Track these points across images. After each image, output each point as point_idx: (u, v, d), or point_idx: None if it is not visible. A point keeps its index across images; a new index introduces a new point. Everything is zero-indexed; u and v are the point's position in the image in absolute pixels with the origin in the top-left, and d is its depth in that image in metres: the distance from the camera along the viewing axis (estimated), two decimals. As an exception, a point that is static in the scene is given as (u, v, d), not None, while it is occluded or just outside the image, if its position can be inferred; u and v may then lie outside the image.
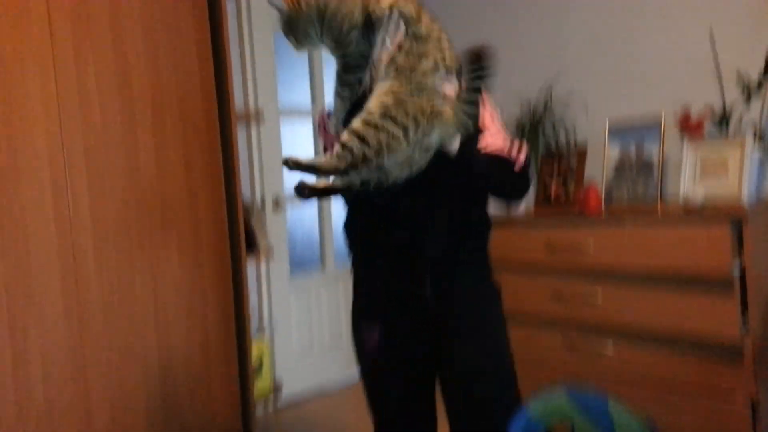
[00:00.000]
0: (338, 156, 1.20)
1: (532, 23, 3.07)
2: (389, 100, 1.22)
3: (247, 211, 2.58)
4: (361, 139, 1.19)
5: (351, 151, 1.20)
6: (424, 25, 1.28)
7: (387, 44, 1.28)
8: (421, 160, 1.29)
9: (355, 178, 1.27)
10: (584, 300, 2.38)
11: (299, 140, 3.57)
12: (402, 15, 1.27)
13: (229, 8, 3.15)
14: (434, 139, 1.27)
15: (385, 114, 1.21)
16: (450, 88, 1.28)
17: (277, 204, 3.36)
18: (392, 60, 1.27)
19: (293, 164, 1.21)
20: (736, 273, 2.04)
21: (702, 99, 2.42)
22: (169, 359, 2.09)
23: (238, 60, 3.23)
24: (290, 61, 3.49)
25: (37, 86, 1.78)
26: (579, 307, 2.39)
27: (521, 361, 1.55)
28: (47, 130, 1.80)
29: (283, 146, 3.44)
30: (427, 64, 1.25)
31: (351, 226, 1.53)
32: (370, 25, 1.28)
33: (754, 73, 2.26)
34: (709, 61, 2.40)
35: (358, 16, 1.28)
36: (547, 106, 2.92)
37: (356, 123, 1.22)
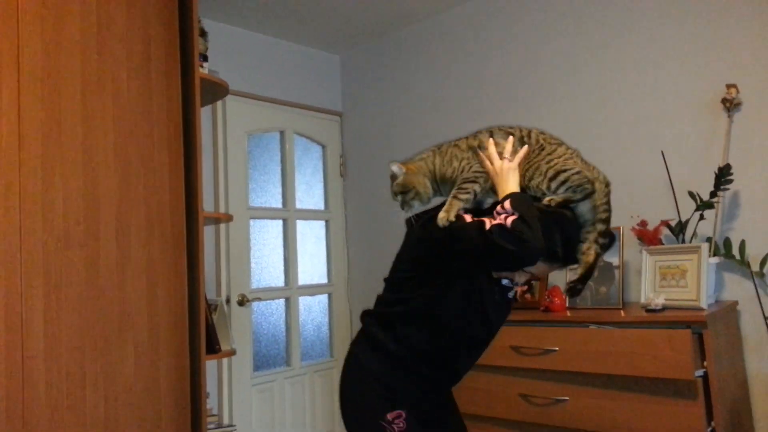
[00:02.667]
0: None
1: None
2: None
3: (211, 311, 2.54)
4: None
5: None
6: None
7: None
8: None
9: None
10: (552, 402, 2.34)
11: (268, 239, 3.58)
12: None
13: (205, 113, 3.27)
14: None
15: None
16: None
17: (243, 301, 3.31)
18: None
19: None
20: (700, 377, 2.05)
21: (658, 214, 2.53)
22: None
23: (211, 160, 3.30)
24: (263, 163, 3.58)
25: (0, 194, 1.77)
26: (547, 408, 2.35)
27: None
28: (5, 233, 1.77)
29: (252, 245, 3.45)
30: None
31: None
32: None
33: (704, 189, 2.39)
34: (664, 180, 2.54)
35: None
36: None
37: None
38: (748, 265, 2.36)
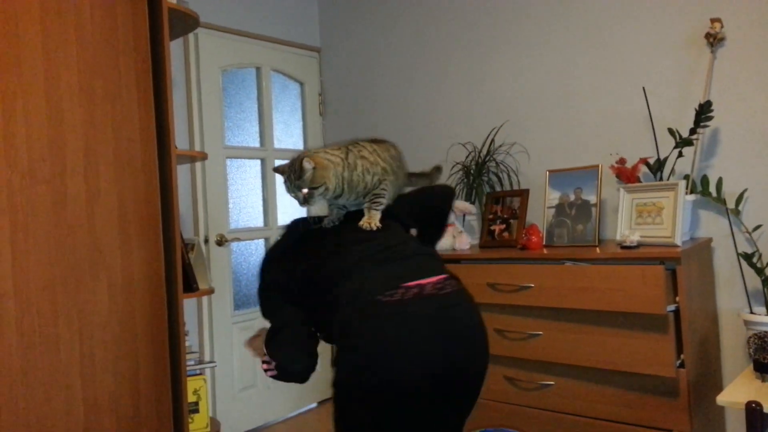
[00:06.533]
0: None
1: (478, 77, 3.16)
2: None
3: (187, 250, 2.52)
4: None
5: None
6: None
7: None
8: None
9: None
10: (527, 336, 2.38)
11: (246, 179, 3.53)
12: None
13: (177, 48, 3.15)
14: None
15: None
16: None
17: (222, 242, 3.29)
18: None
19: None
20: (671, 312, 2.09)
21: (638, 152, 2.52)
22: (96, 403, 1.98)
23: (184, 99, 3.20)
24: (238, 100, 3.49)
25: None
26: (521, 342, 2.39)
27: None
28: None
29: (229, 185, 3.40)
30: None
31: None
32: None
33: (684, 126, 2.37)
34: (644, 117, 2.51)
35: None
36: (490, 151, 2.99)
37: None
38: (724, 203, 2.37)
